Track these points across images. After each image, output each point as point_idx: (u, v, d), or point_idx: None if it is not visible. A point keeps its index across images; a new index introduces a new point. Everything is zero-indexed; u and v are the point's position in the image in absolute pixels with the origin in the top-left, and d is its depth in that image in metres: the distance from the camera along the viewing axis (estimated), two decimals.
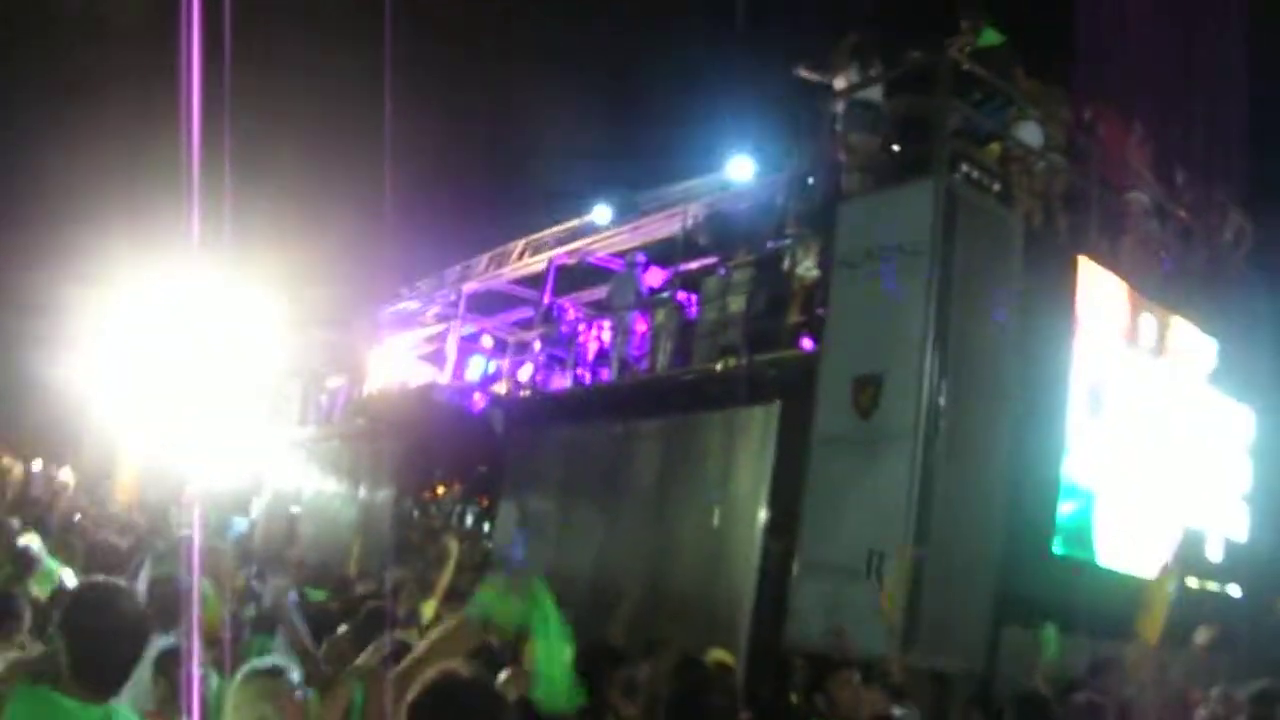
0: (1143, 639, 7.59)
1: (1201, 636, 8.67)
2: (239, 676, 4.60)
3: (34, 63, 26.58)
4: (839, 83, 11.10)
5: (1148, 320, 11.17)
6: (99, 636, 3.68)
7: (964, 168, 9.87)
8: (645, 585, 11.24)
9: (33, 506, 13.53)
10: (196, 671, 4.96)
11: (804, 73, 11.47)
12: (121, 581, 3.96)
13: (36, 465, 27.73)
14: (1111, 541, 10.29)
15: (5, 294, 28.01)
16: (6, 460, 22.65)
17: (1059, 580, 9.23)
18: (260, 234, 19.56)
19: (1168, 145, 12.51)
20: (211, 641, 6.61)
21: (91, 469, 27.08)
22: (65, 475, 27.54)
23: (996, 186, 10.14)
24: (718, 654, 8.97)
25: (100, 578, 4.03)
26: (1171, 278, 12.23)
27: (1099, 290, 10.58)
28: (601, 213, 15.67)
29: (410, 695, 2.77)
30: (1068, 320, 10.12)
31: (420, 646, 4.30)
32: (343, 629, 7.34)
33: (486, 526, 16.23)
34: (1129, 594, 9.49)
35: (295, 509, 21.04)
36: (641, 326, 14.48)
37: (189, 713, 4.68)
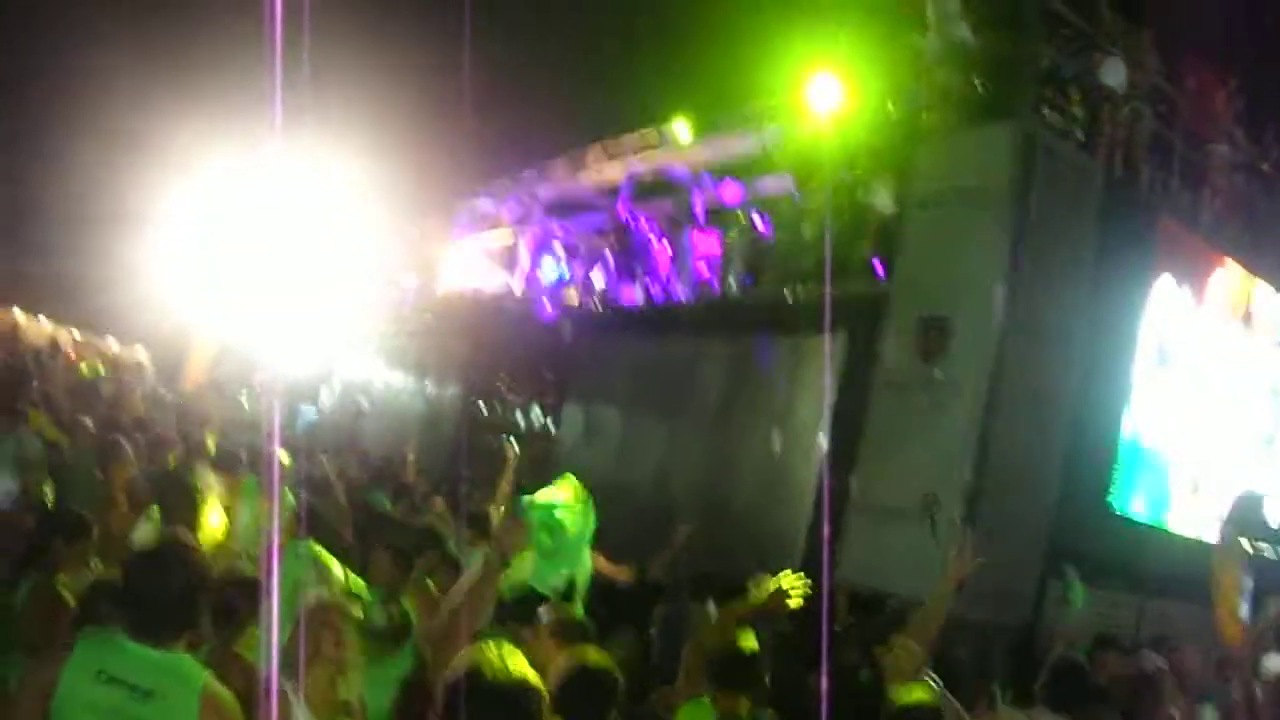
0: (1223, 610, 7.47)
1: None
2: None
3: None
4: (929, 14, 10.96)
5: (1225, 279, 11.04)
6: (158, 596, 3.81)
7: (1046, 112, 9.75)
8: (699, 508, 11.37)
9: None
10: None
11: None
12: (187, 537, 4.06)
13: (114, 345, 28.23)
14: (1169, 500, 10.29)
15: (84, 175, 28.35)
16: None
17: (1113, 536, 9.25)
18: (340, 125, 19.66)
19: (1259, 99, 12.24)
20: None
21: (166, 350, 27.51)
22: (140, 355, 28.05)
23: (1079, 133, 9.99)
24: (769, 584, 9.09)
25: (168, 533, 4.14)
26: (1254, 237, 12.04)
27: (1176, 245, 10.47)
28: (680, 126, 15.60)
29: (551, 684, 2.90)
30: (1142, 274, 10.03)
31: (453, 597, 4.45)
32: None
33: (552, 429, 16.40)
34: (1184, 554, 9.55)
35: (363, 402, 21.33)
36: (706, 246, 14.48)
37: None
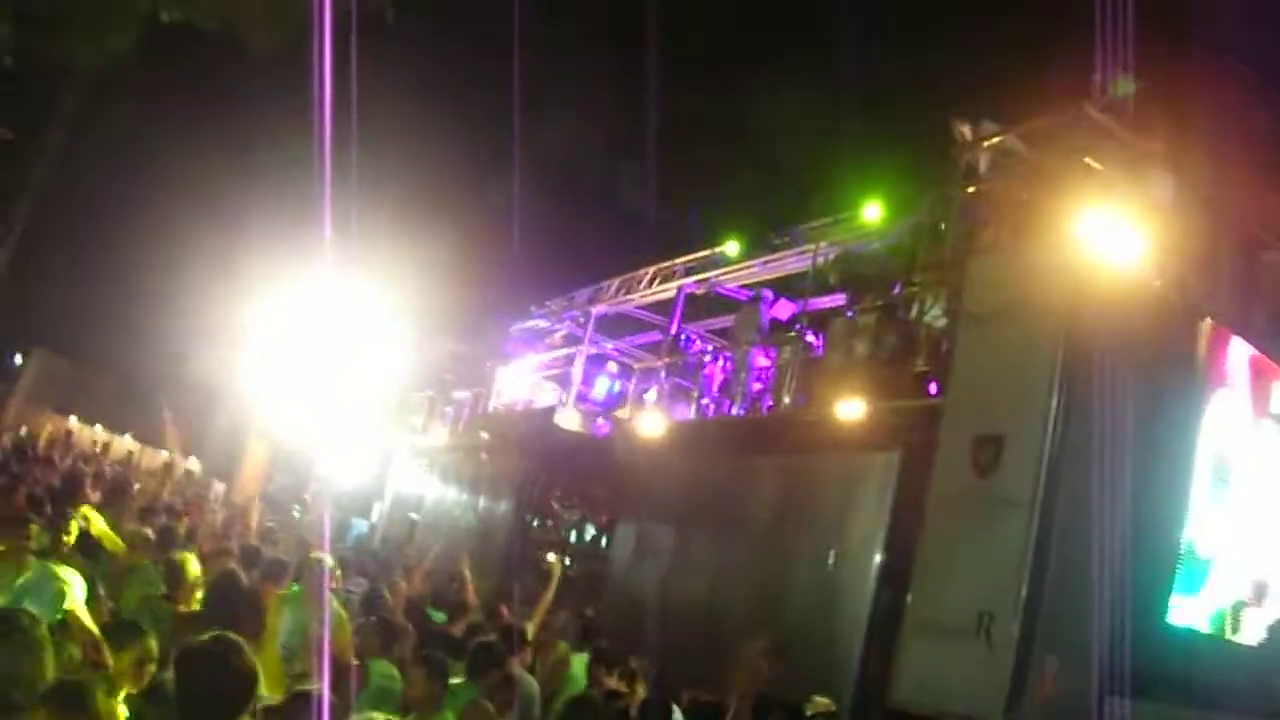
0: None
1: None
2: None
3: (180, 88, 27.50)
4: (987, 131, 11.09)
5: None
6: (206, 696, 3.81)
7: (1096, 225, 9.75)
8: (753, 627, 11.28)
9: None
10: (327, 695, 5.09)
11: (959, 125, 11.44)
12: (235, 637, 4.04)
13: (164, 455, 28.56)
14: (1230, 614, 10.11)
15: (143, 298, 28.96)
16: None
17: (1172, 650, 9.09)
18: (395, 248, 20.03)
19: None
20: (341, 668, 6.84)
21: (218, 462, 27.81)
22: (192, 465, 28.34)
23: (1133, 249, 9.98)
24: (821, 701, 9.04)
25: (213, 635, 4.12)
26: None
27: (1229, 356, 10.40)
28: (733, 245, 15.79)
29: None
30: (1196, 386, 9.96)
31: None
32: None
33: (604, 546, 16.39)
34: (1245, 667, 9.38)
35: (415, 515, 21.41)
36: (764, 361, 14.54)
37: None
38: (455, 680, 7.42)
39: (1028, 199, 10.52)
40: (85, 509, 9.63)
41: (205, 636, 4.01)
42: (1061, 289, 9.23)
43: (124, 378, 34.97)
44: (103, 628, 6.01)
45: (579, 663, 10.24)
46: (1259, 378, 10.74)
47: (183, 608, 7.90)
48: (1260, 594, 10.54)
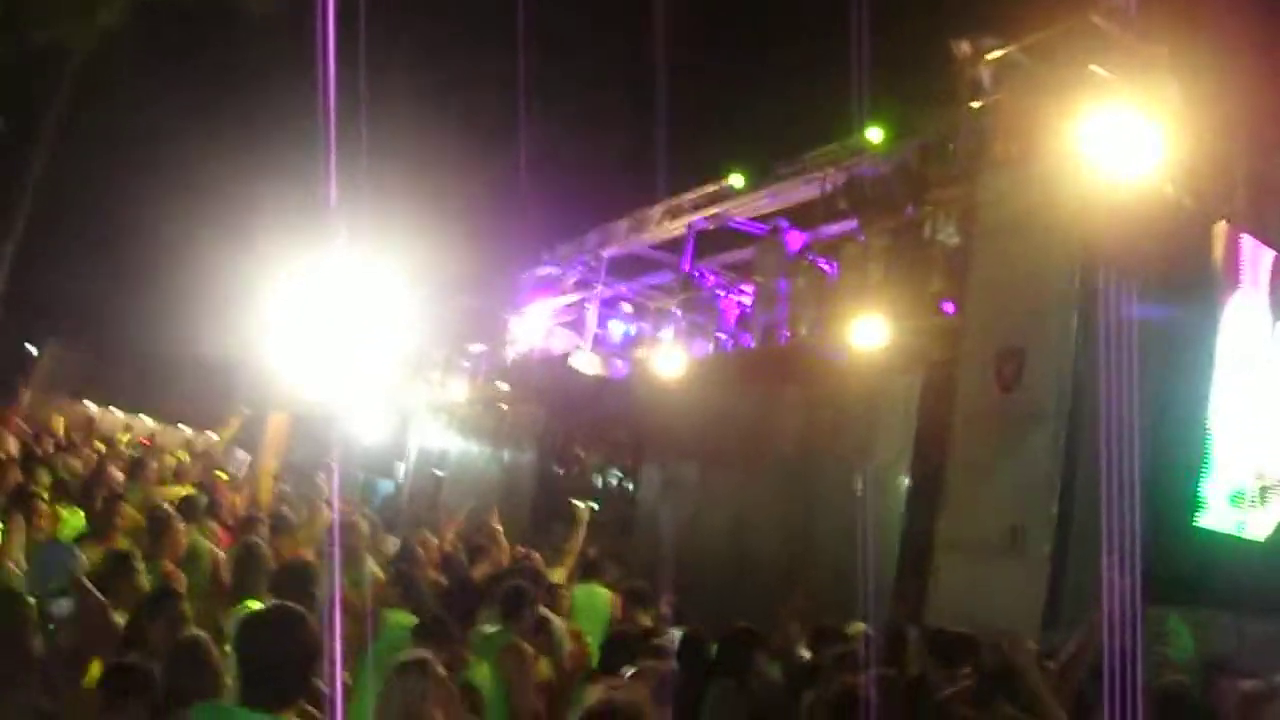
0: None
1: None
2: (391, 670, 4.75)
3: (176, 63, 27.44)
4: (988, 46, 10.94)
5: None
6: (273, 661, 3.73)
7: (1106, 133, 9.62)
8: (783, 558, 11.29)
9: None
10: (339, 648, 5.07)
11: (958, 44, 11.30)
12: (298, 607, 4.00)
13: (187, 431, 28.60)
14: (1262, 515, 10.05)
15: (154, 279, 28.96)
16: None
17: (1204, 555, 9.04)
18: (402, 200, 19.93)
19: None
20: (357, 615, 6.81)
21: (240, 435, 27.81)
22: (214, 439, 28.33)
23: (1146, 155, 9.84)
24: (857, 626, 8.99)
25: (279, 602, 4.09)
26: None
27: (1246, 258, 10.30)
28: (738, 178, 15.64)
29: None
30: (1213, 290, 9.86)
31: None
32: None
33: (630, 489, 16.37)
34: (1271, 566, 9.32)
35: (439, 473, 21.42)
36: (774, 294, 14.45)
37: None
38: (490, 628, 7.41)
39: (1035, 111, 10.38)
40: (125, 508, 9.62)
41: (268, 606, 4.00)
42: (1074, 199, 9.12)
43: (141, 361, 34.99)
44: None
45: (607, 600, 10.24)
46: (1276, 278, 10.65)
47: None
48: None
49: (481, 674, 6.21)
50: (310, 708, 4.15)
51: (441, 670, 4.73)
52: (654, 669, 6.47)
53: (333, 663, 4.82)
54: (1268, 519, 10.22)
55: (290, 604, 4.03)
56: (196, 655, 4.59)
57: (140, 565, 6.82)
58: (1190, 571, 8.70)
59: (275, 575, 7.09)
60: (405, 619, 7.24)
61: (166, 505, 9.40)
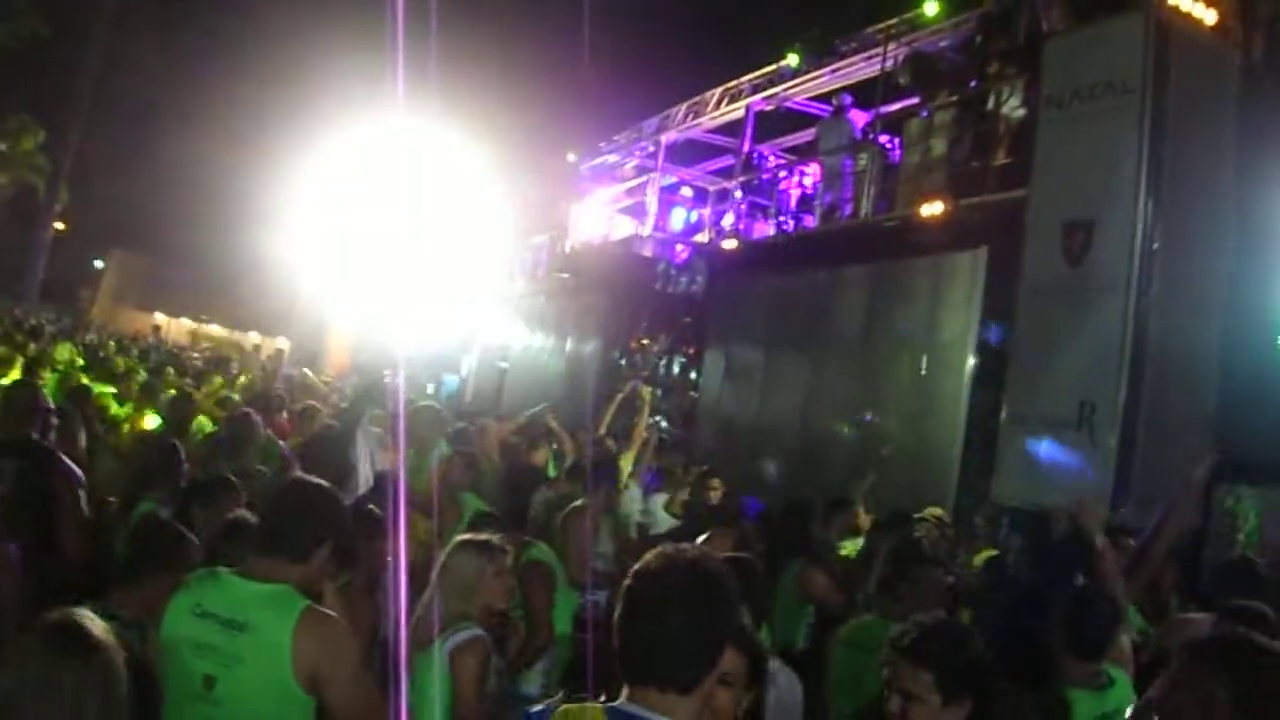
0: None
1: None
2: (453, 543, 4.78)
3: None
4: None
5: None
6: (288, 514, 3.83)
7: None
8: (849, 439, 11.21)
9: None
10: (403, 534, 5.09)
11: None
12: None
13: (254, 337, 28.85)
14: None
15: (212, 184, 29.01)
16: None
17: (1275, 436, 8.82)
18: (464, 89, 19.78)
19: None
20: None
21: (305, 337, 28.02)
22: (281, 344, 28.59)
23: (1211, 17, 9.51)
24: (933, 510, 8.90)
25: (309, 478, 4.12)
26: None
27: None
28: (794, 58, 15.34)
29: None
30: None
31: None
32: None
33: (693, 376, 16.32)
34: None
35: (503, 365, 21.45)
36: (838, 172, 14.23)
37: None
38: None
39: None
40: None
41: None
42: (1140, 64, 8.81)
43: (203, 268, 35.20)
44: None
45: None
46: None
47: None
48: None
49: (541, 552, 6.21)
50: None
51: (502, 550, 4.74)
52: (726, 534, 6.47)
53: (397, 542, 4.86)
54: None
55: (310, 477, 4.10)
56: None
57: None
58: (1267, 450, 8.51)
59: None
60: (477, 501, 7.27)
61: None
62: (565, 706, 2.67)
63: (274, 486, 4.18)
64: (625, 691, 2.59)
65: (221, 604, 3.61)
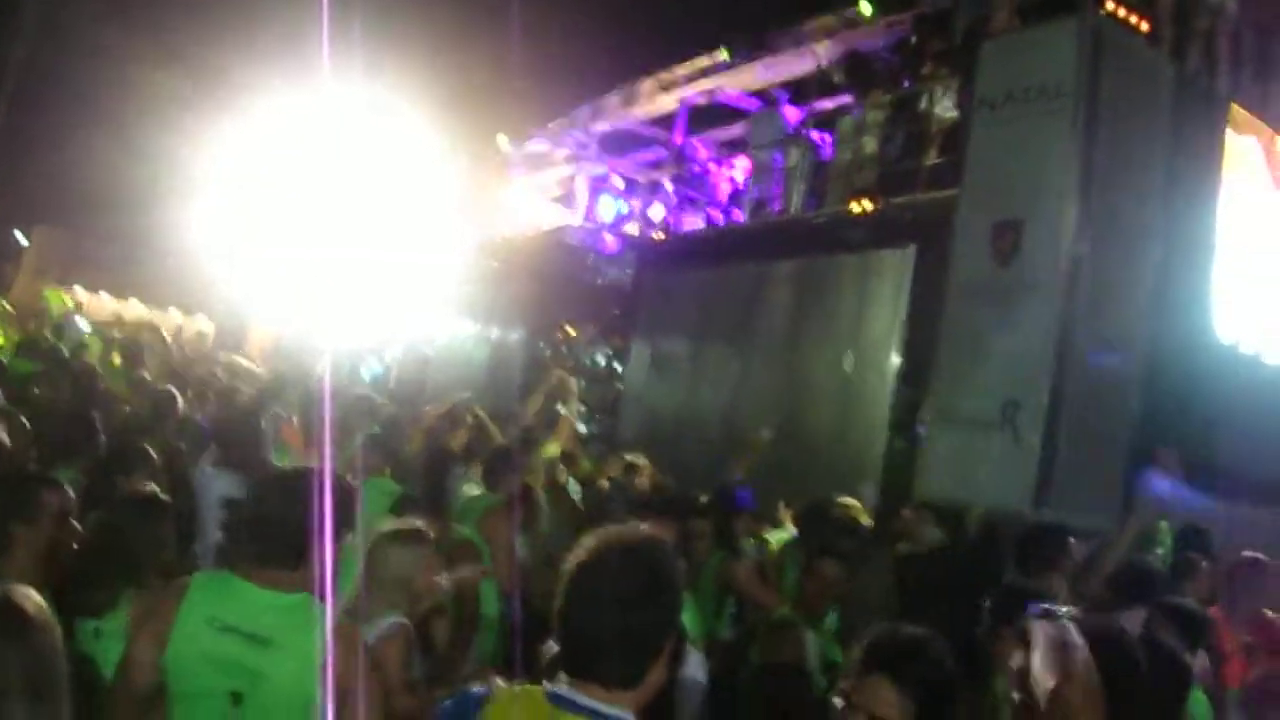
0: None
1: None
2: (380, 534, 4.70)
3: None
4: None
5: None
6: (285, 524, 3.64)
7: (1111, 5, 9.39)
8: (776, 429, 11.21)
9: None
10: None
11: None
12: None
13: (176, 316, 28.42)
14: (1257, 401, 9.95)
15: (134, 144, 28.58)
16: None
17: (1199, 438, 8.94)
18: (393, 70, 19.59)
19: None
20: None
21: (227, 317, 27.64)
22: (202, 324, 28.18)
23: (1145, 26, 9.62)
24: (849, 502, 8.97)
25: (290, 467, 4.00)
26: None
27: (1248, 139, 10.15)
28: (730, 50, 15.33)
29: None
30: (1215, 169, 9.71)
31: None
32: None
33: (619, 367, 16.27)
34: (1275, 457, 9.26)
35: (428, 351, 21.27)
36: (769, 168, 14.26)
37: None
38: (473, 491, 7.36)
39: None
40: None
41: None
42: (1074, 69, 8.89)
43: (126, 244, 34.65)
44: None
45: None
46: (1277, 158, 10.52)
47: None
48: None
49: (469, 533, 6.17)
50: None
51: (430, 537, 4.70)
52: (670, 527, 6.42)
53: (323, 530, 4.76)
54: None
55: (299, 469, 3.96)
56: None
57: None
58: (1184, 454, 8.61)
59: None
60: (389, 485, 7.19)
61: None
62: (506, 687, 2.60)
63: (259, 485, 4.03)
64: (566, 680, 2.53)
65: (243, 617, 3.49)
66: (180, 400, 8.58)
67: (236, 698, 3.42)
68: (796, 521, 8.92)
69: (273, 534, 3.61)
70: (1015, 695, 2.95)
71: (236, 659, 3.43)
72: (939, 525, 8.02)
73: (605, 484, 10.04)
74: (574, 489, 9.78)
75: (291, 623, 3.49)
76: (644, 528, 2.80)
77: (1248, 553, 7.06)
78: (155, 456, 5.73)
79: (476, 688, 2.66)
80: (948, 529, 8.01)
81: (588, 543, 2.62)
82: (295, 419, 9.03)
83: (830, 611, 5.77)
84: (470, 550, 5.97)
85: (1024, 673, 2.93)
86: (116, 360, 12.39)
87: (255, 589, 3.54)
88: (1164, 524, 8.21)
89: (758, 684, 5.47)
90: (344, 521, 3.74)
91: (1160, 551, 8.07)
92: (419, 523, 4.81)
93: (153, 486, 4.88)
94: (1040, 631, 2.95)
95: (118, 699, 3.50)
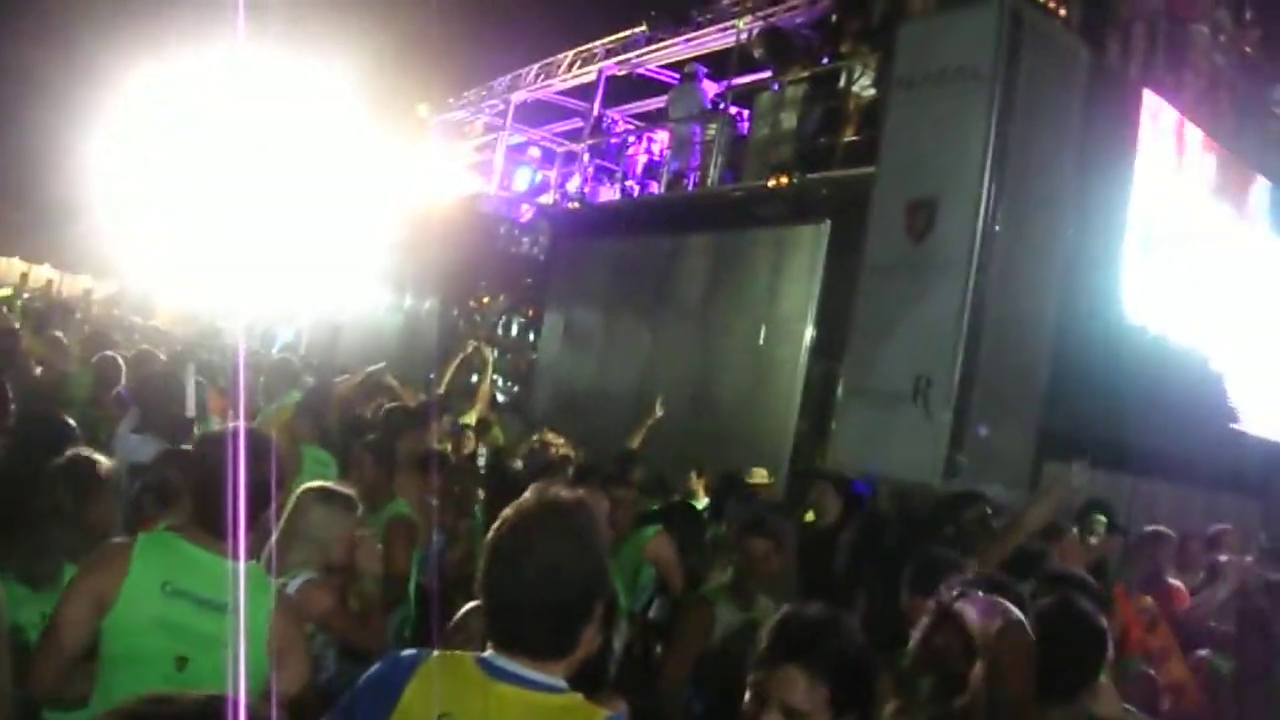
0: None
1: None
2: (307, 488, 4.67)
3: None
4: None
5: (1208, 158, 10.96)
6: (226, 487, 3.49)
7: None
8: (688, 405, 11.28)
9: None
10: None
11: None
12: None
13: (86, 280, 27.94)
14: (1162, 379, 10.20)
15: (42, 96, 28.02)
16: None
17: (1105, 415, 9.15)
18: (310, 37, 19.38)
19: None
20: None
21: (138, 282, 27.23)
22: (112, 288, 27.74)
23: (1062, 11, 9.80)
24: (758, 473, 9.10)
25: (224, 428, 3.90)
26: (1233, 116, 11.93)
27: (1160, 123, 10.36)
28: (650, 23, 15.37)
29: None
30: (1127, 152, 9.91)
31: None
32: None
33: (532, 337, 16.27)
34: (1177, 435, 9.49)
35: (339, 318, 21.10)
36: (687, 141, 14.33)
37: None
38: None
39: None
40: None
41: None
42: (992, 51, 9.01)
43: (37, 207, 33.92)
44: None
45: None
46: (1187, 145, 10.74)
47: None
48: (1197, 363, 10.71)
49: (404, 506, 6.17)
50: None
51: (357, 506, 4.67)
52: (598, 497, 6.43)
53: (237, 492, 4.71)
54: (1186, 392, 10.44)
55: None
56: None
57: None
58: (1091, 429, 8.80)
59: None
60: (323, 455, 7.19)
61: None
62: (440, 653, 2.57)
63: (199, 447, 3.95)
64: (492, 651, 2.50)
65: (196, 583, 3.42)
66: (124, 366, 8.49)
67: (181, 662, 3.36)
68: (708, 490, 9.04)
69: (215, 497, 3.48)
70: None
71: (187, 624, 3.37)
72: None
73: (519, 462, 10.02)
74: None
75: (249, 590, 3.42)
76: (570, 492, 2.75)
77: (1150, 526, 7.25)
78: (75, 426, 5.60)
79: (407, 652, 2.59)
80: (893, 506, 8.14)
81: (511, 510, 2.56)
82: (216, 385, 8.98)
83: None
84: (405, 527, 5.98)
85: (936, 649, 2.99)
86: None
87: (204, 553, 3.46)
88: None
89: None
90: (281, 483, 3.71)
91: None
92: (350, 491, 4.78)
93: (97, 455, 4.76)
94: (971, 607, 3.04)
95: (44, 658, 3.38)
